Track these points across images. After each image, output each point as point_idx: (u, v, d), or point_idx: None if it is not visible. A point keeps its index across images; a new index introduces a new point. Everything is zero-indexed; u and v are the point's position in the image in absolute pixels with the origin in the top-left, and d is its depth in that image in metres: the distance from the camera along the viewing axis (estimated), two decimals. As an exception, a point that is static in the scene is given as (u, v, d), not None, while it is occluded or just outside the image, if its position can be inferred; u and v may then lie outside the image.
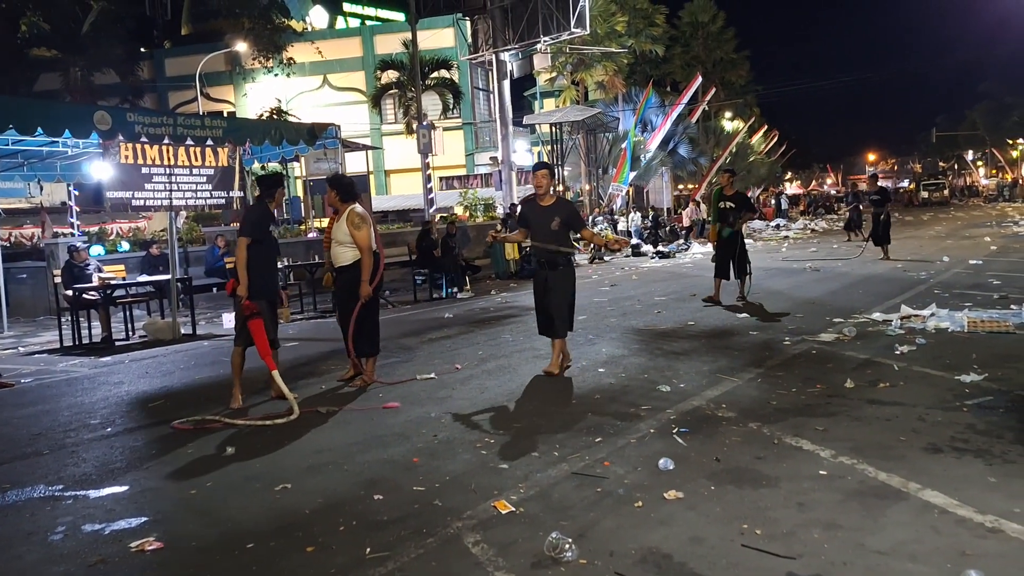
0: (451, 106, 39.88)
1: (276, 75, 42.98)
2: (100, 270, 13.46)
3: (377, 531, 4.57)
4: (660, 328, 11.18)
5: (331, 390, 8.38)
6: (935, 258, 18.44)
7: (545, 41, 29.10)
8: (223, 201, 13.13)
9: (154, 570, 4.31)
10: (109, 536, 4.77)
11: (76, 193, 18.18)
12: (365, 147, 32.13)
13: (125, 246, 20.87)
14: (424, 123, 27.81)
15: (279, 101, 41.74)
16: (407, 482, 5.35)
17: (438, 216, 28.79)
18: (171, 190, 12.28)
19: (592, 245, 26.61)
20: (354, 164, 35.38)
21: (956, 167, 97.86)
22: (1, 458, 6.56)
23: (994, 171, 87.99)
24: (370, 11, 57.81)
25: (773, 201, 51.84)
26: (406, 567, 4.13)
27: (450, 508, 4.84)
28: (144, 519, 4.99)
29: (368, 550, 4.32)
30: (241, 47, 39.53)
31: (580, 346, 9.95)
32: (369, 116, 44.07)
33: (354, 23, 54.52)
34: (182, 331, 13.10)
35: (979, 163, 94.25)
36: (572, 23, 27.67)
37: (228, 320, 13.95)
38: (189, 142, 12.17)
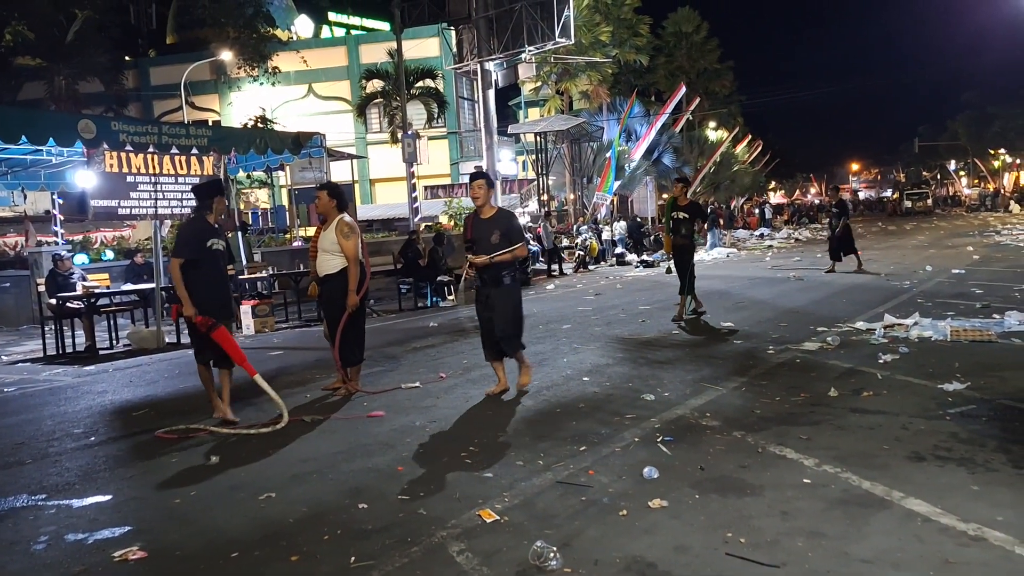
0: (436, 115, 39.82)
1: (261, 84, 42.91)
2: (84, 279, 13.43)
3: (362, 540, 4.57)
4: (644, 337, 11.21)
5: (316, 399, 8.36)
6: (918, 267, 18.53)
7: (530, 51, 29.12)
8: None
9: (138, 580, 4.30)
10: (92, 545, 4.75)
11: (60, 202, 18.12)
12: (350, 156, 32.04)
13: (109, 255, 20.81)
14: (409, 132, 27.77)
15: (264, 110, 41.60)
16: (392, 491, 5.34)
17: (423, 225, 28.80)
18: (156, 199, 12.26)
19: (578, 254, 26.79)
20: (339, 173, 35.33)
21: (939, 177, 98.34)
22: (-17, 468, 6.52)
23: (976, 181, 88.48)
24: (355, 21, 57.77)
25: (757, 211, 52.01)
26: (391, 576, 4.13)
27: (435, 517, 4.84)
28: (128, 528, 4.97)
29: (353, 559, 4.31)
30: (226, 56, 39.42)
31: (565, 355, 9.97)
32: (354, 125, 43.98)
33: (339, 32, 54.49)
34: (166, 340, 13.06)
35: (961, 173, 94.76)
36: (557, 33, 27.71)
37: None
38: (174, 151, 12.17)
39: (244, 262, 17.40)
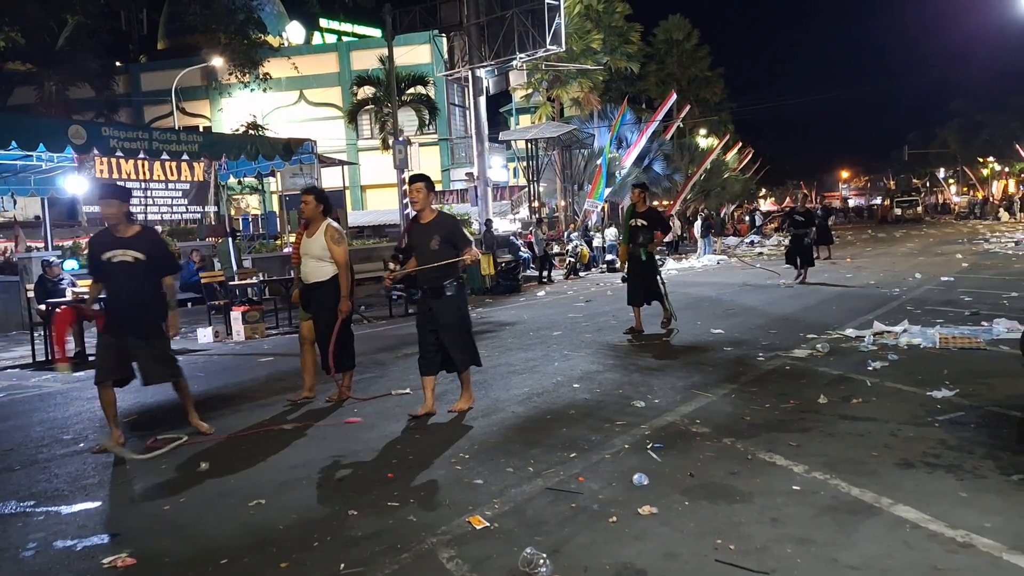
0: (427, 122, 39.85)
1: (252, 90, 42.87)
2: (74, 284, 13.36)
3: (352, 547, 4.56)
4: (635, 344, 11.22)
5: (306, 405, 8.33)
6: (908, 275, 18.58)
7: (521, 58, 29.18)
8: (199, 215, 13.11)
9: (127, 587, 4.29)
10: (81, 552, 4.74)
11: (50, 207, 18.07)
12: (341, 162, 32.07)
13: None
14: (400, 139, 27.78)
15: (255, 116, 41.62)
16: (382, 498, 5.33)
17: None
18: (147, 204, 12.25)
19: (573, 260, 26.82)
20: (330, 179, 35.35)
21: (928, 184, 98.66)
22: (-29, 474, 6.50)
23: (965, 188, 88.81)
24: (347, 27, 57.75)
25: (748, 217, 52.14)
26: (381, 583, 4.13)
27: (425, 524, 4.84)
28: (117, 535, 4.96)
29: (343, 566, 4.31)
30: (217, 62, 39.46)
31: (555, 361, 9.98)
32: (345, 131, 44.02)
33: (331, 39, 54.48)
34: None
35: (951, 181, 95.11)
36: (548, 40, 27.75)
37: (203, 335, 13.89)
38: (165, 157, 12.17)
39: (235, 268, 17.38)
